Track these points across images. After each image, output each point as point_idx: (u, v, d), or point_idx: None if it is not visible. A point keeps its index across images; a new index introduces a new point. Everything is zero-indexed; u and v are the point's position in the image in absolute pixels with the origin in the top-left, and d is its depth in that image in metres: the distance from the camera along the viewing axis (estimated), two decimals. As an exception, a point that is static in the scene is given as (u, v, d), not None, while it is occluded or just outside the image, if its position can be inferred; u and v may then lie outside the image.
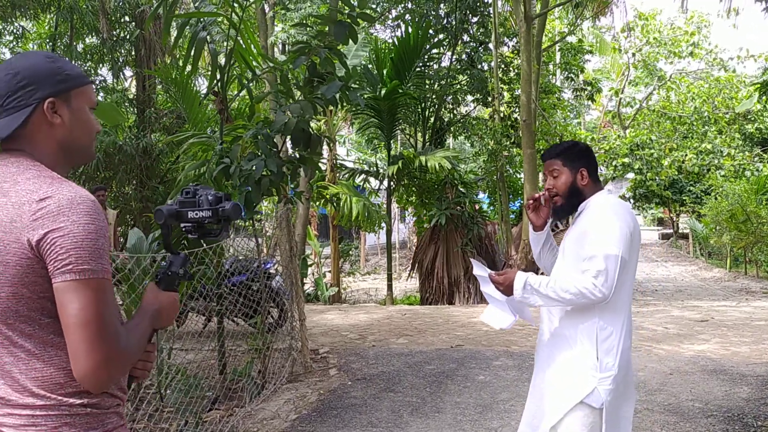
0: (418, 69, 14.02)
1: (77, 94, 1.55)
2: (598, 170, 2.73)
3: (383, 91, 13.11)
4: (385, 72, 13.71)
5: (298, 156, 5.36)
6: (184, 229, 1.69)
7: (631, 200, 25.74)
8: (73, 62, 11.01)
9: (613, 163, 16.84)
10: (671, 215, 30.39)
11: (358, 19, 5.08)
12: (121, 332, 1.42)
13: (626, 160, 16.73)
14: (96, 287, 1.37)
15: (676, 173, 17.89)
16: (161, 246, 5.01)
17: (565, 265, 2.62)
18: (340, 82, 5.01)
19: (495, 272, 2.57)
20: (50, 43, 12.85)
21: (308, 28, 5.28)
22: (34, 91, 1.48)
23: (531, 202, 2.76)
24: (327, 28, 5.11)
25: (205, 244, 4.81)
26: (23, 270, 1.37)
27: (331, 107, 5.55)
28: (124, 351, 1.41)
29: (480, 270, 2.70)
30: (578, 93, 17.25)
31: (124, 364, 1.43)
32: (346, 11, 5.00)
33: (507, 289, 2.52)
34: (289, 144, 6.84)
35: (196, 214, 1.65)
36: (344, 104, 5.62)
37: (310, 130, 5.12)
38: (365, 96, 12.70)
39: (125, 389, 1.58)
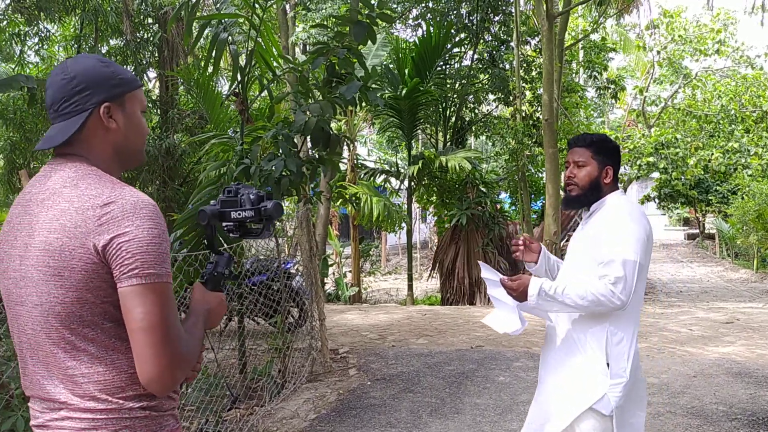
0: (438, 68, 13.98)
1: (130, 97, 1.56)
2: (621, 170, 2.69)
3: (404, 91, 13.09)
4: (406, 72, 13.69)
5: (317, 156, 5.38)
6: (225, 229, 1.71)
7: (656, 200, 25.48)
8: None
9: (638, 162, 16.68)
10: (697, 215, 29.94)
11: (377, 20, 5.08)
12: (183, 336, 1.43)
13: (651, 159, 16.56)
14: (161, 291, 1.37)
15: (702, 172, 17.66)
16: (183, 246, 5.07)
17: (573, 267, 2.56)
18: (360, 83, 5.01)
19: (508, 277, 2.49)
20: (75, 45, 13.02)
21: (328, 29, 5.29)
22: (91, 96, 1.49)
23: (517, 253, 2.73)
24: (347, 29, 5.12)
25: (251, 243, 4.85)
26: (88, 275, 1.37)
27: (351, 107, 5.56)
28: (187, 354, 1.43)
29: (489, 273, 2.62)
30: (602, 91, 17.08)
31: (187, 367, 1.44)
32: (365, 12, 5.00)
33: (520, 295, 2.43)
34: (308, 144, 6.86)
35: (239, 214, 1.67)
36: (363, 104, 5.62)
37: (330, 129, 5.13)
38: (385, 96, 12.69)
39: (179, 391, 1.60)
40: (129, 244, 1.35)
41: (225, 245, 4.85)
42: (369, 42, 5.15)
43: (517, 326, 2.55)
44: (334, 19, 11.97)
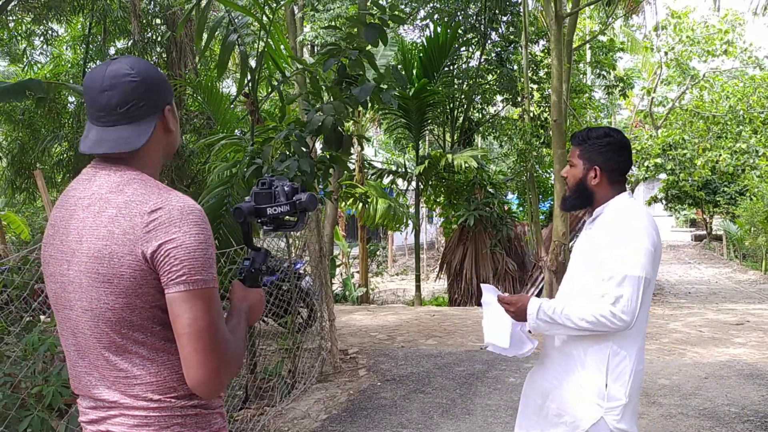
0: (446, 69, 13.96)
1: (175, 101, 1.61)
2: (625, 171, 2.41)
3: (411, 91, 13.08)
4: (414, 72, 13.68)
5: (329, 156, 5.38)
6: (260, 222, 1.71)
7: (663, 201, 25.39)
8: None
9: (645, 163, 16.62)
10: (704, 216, 29.83)
11: (388, 21, 5.08)
12: (229, 338, 1.44)
13: (659, 160, 16.50)
14: (208, 297, 1.39)
15: (710, 173, 17.59)
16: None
17: (576, 277, 2.37)
18: (373, 84, 5.01)
19: (507, 294, 2.34)
20: (83, 46, 13.06)
21: (338, 30, 5.30)
22: (159, 99, 1.51)
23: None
24: (356, 30, 5.12)
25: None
26: (137, 282, 1.38)
27: (369, 110, 5.58)
28: (233, 356, 1.44)
29: (489, 295, 2.43)
30: (610, 90, 17.03)
31: (234, 369, 1.45)
32: (376, 13, 5.00)
33: (518, 313, 2.27)
34: (318, 145, 6.87)
35: (275, 210, 1.68)
36: (374, 105, 5.61)
37: (343, 130, 5.14)
38: (394, 96, 12.68)
39: (225, 390, 1.63)
40: (176, 250, 1.36)
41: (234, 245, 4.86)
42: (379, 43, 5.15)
43: (507, 345, 2.36)
44: (344, 20, 11.99)
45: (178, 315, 1.37)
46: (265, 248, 1.72)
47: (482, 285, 2.53)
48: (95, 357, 1.44)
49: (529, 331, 2.34)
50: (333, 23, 12.07)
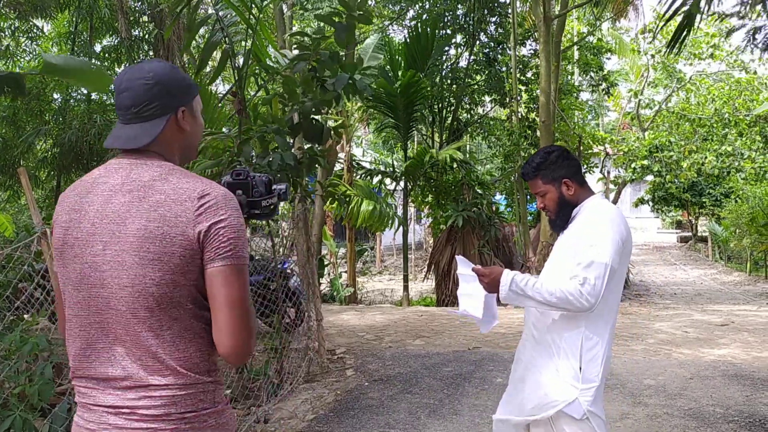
0: (430, 67, 13.93)
1: (196, 101, 1.72)
2: (584, 171, 2.65)
3: (398, 84, 13.02)
4: (399, 73, 13.68)
5: (310, 153, 5.39)
6: (246, 215, 1.80)
7: (650, 203, 25.56)
8: (92, 61, 11.07)
9: (632, 165, 16.72)
10: (690, 218, 30.04)
11: (356, 22, 5.14)
12: (254, 311, 1.63)
13: (645, 162, 16.60)
14: (246, 272, 1.56)
15: (696, 175, 17.70)
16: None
17: (553, 269, 2.57)
18: (346, 75, 5.05)
19: (480, 267, 2.50)
20: (69, 43, 12.92)
21: (309, 37, 5.34)
22: (171, 100, 1.63)
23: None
24: (328, 33, 5.17)
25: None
26: (185, 260, 1.51)
27: (346, 102, 5.61)
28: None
29: (463, 267, 2.60)
30: (594, 89, 17.13)
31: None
32: (345, 13, 5.06)
33: (492, 285, 2.43)
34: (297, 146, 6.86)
35: (267, 202, 1.79)
36: (350, 98, 5.68)
37: (321, 122, 5.17)
38: (377, 89, 12.61)
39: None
40: (225, 230, 1.52)
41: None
42: (366, 43, 5.19)
43: (479, 314, 2.56)
44: (314, 24, 11.96)
45: (222, 286, 1.51)
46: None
47: (457, 257, 2.71)
48: (125, 332, 1.53)
49: (500, 302, 2.52)
50: (303, 30, 12.07)
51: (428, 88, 13.38)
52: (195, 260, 1.52)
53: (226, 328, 1.52)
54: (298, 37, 5.73)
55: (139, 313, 1.52)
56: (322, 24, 5.52)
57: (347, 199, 12.88)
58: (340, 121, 13.78)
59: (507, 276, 2.38)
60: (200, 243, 1.51)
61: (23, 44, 13.81)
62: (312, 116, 5.00)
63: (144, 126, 1.60)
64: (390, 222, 13.54)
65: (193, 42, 8.89)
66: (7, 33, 12.56)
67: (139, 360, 1.52)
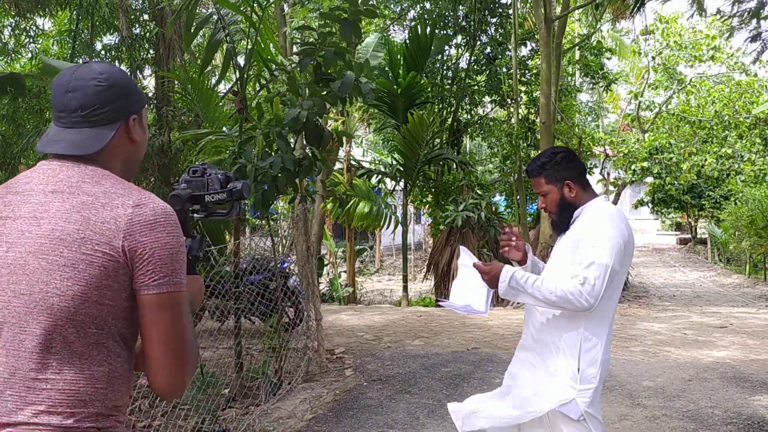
0: (431, 66, 13.95)
1: (144, 111, 1.56)
2: (587, 174, 2.68)
3: (399, 83, 13.03)
4: (400, 72, 13.69)
5: (312, 154, 5.38)
6: (191, 210, 1.69)
7: (650, 204, 25.54)
8: (92, 60, 11.08)
9: (632, 167, 16.70)
10: (690, 220, 30.04)
11: (362, 16, 5.12)
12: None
13: (645, 164, 16.58)
14: (184, 300, 1.38)
15: (696, 178, 17.69)
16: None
17: (553, 269, 2.58)
18: (353, 76, 5.03)
19: (480, 263, 2.51)
20: (69, 41, 12.92)
21: (314, 30, 5.33)
22: (125, 107, 1.47)
23: (506, 248, 2.70)
24: (333, 29, 5.15)
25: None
26: (105, 273, 1.30)
27: (348, 104, 5.59)
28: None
29: (466, 258, 2.62)
30: (593, 85, 17.14)
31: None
32: (350, 8, 5.04)
33: (491, 280, 2.45)
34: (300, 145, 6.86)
35: (213, 198, 1.66)
36: (353, 100, 5.65)
37: (322, 125, 5.16)
38: (379, 90, 12.63)
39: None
40: (161, 251, 1.33)
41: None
42: (366, 42, 5.19)
43: (481, 308, 2.57)
44: (319, 20, 11.97)
45: (158, 316, 1.33)
46: (200, 235, 1.69)
47: (461, 247, 2.76)
48: (7, 350, 1.30)
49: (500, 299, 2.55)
50: (311, 23, 12.06)
51: (429, 89, 13.39)
52: (118, 276, 1.31)
53: (158, 366, 1.34)
54: (306, 32, 5.71)
55: (29, 326, 1.29)
56: (324, 21, 5.50)
57: (345, 199, 12.89)
58: (341, 121, 13.81)
59: (507, 272, 2.41)
60: (128, 259, 1.31)
61: (24, 41, 13.80)
62: (310, 116, 4.98)
63: (92, 132, 1.42)
64: (387, 221, 13.54)
65: (194, 41, 8.88)
66: (6, 33, 12.55)
67: (16, 384, 1.27)
